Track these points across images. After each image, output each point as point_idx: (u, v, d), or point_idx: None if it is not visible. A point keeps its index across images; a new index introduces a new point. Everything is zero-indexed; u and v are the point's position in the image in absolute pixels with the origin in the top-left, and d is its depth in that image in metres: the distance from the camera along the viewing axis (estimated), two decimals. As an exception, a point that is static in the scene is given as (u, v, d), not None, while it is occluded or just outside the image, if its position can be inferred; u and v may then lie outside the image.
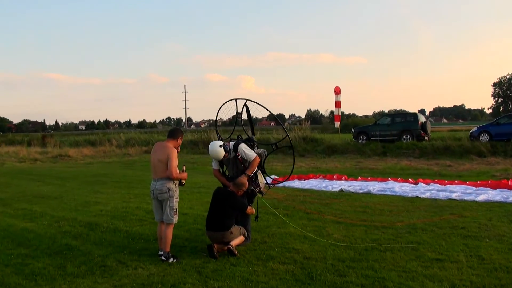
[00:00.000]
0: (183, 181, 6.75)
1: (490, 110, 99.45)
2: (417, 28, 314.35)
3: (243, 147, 7.18)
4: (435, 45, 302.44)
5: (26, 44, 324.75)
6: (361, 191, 12.52)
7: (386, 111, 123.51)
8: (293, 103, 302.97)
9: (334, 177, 15.74)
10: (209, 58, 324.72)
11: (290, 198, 11.62)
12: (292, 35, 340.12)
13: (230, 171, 7.52)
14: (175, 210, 6.59)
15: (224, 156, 7.11)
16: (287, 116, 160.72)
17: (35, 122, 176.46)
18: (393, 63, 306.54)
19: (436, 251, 6.70)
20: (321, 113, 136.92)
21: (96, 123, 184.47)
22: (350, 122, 55.54)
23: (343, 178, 15.50)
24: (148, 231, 8.46)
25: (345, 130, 44.64)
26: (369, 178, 15.29)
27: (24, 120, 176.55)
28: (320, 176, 16.02)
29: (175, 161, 6.43)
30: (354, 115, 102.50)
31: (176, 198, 6.63)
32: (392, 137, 27.69)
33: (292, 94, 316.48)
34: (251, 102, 7.65)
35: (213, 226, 6.76)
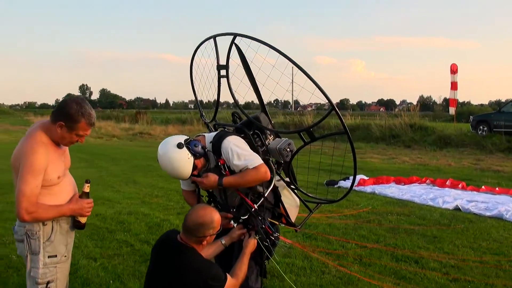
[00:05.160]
0: (81, 219, 3.05)
1: None
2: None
3: (231, 143, 3.27)
4: None
5: (144, 25, 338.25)
6: (488, 213, 7.96)
7: (503, 100, 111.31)
8: (404, 88, 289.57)
9: (447, 183, 11.03)
10: (319, 41, 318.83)
11: (374, 220, 7.49)
12: (403, 18, 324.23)
13: (217, 193, 3.64)
14: (44, 286, 2.90)
15: (195, 167, 3.26)
16: (397, 102, 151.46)
17: (147, 100, 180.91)
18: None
19: None
20: (434, 100, 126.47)
21: (204, 102, 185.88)
22: (464, 110, 48.18)
23: (459, 185, 10.77)
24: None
25: (460, 118, 38.17)
26: (497, 188, 10.45)
27: (136, 97, 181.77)
28: (427, 181, 11.43)
29: (31, 178, 2.74)
30: (469, 103, 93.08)
31: (51, 256, 2.92)
32: (521, 129, 21.89)
33: (403, 79, 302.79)
34: (246, 38, 3.39)
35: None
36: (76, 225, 3.04)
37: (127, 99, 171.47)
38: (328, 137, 3.63)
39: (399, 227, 7.05)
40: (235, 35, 3.45)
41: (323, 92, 3.07)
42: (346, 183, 10.70)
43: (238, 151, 3.22)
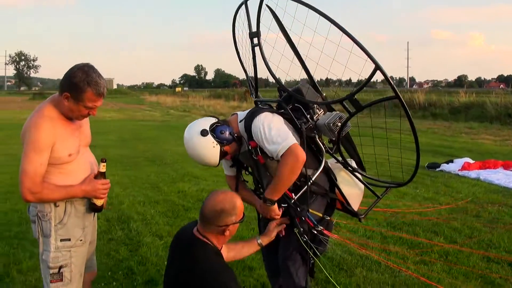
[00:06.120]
0: (96, 201, 2.81)
1: None
2: None
3: (261, 122, 2.84)
4: None
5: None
6: None
7: None
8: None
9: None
10: (435, 13, 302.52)
11: (472, 211, 6.69)
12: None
13: (260, 177, 3.19)
14: (56, 271, 2.71)
15: (224, 153, 2.95)
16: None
17: (260, 79, 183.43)
18: None
19: None
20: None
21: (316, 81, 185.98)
22: None
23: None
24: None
25: None
26: None
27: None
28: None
29: (34, 156, 2.55)
30: None
31: (64, 240, 2.73)
32: None
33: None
34: None
35: None
36: (92, 207, 2.84)
37: (240, 79, 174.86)
38: (376, 104, 2.94)
39: (498, 220, 6.23)
40: None
41: (364, 49, 2.50)
42: (449, 167, 9.90)
43: (267, 133, 2.80)
